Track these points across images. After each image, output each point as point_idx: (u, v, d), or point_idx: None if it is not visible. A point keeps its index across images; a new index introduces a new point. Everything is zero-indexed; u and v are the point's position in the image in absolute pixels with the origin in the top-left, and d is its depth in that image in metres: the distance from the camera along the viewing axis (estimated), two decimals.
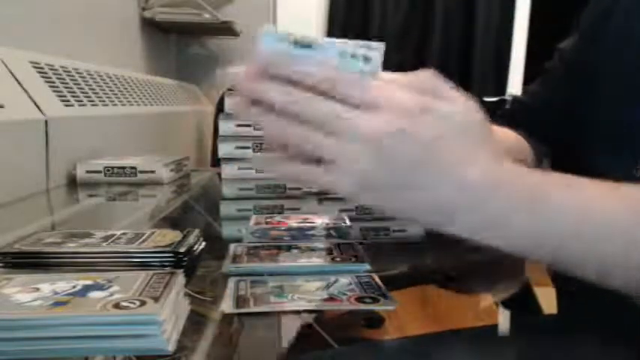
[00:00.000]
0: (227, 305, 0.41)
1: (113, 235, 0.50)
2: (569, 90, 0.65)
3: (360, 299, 0.42)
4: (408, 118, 0.34)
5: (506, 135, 0.69)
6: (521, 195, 0.35)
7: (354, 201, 0.44)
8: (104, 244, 0.48)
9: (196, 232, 0.51)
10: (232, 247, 0.54)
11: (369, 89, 0.34)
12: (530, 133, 0.70)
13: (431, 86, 0.36)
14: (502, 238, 0.36)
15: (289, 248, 0.53)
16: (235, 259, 0.50)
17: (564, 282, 0.40)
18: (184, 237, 0.49)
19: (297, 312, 0.40)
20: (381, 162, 0.34)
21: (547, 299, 0.50)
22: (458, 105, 0.36)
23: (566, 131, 0.64)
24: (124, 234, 0.51)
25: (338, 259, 0.50)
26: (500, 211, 0.35)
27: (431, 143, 0.34)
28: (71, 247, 0.48)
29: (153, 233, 0.51)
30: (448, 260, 0.58)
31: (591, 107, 0.61)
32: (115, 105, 1.24)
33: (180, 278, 0.38)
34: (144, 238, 0.49)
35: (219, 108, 1.63)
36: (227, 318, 0.39)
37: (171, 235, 0.50)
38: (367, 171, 0.34)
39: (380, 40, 0.36)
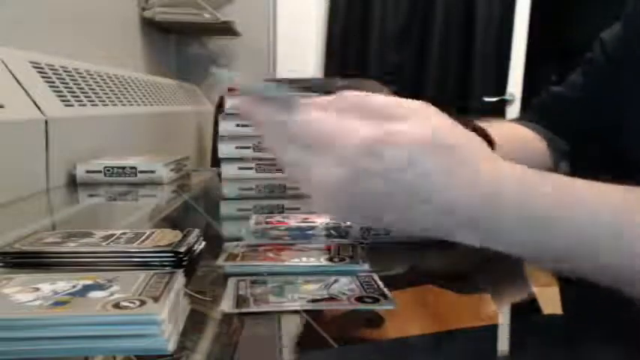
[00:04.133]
0: (227, 305, 0.40)
1: (113, 235, 0.50)
2: (611, 80, 0.63)
3: (360, 299, 0.42)
4: (365, 157, 0.32)
5: (515, 136, 0.66)
6: (510, 209, 0.33)
7: None
8: (104, 243, 0.48)
9: (196, 232, 0.51)
10: (231, 246, 0.54)
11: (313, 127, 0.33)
12: (565, 125, 0.68)
13: (381, 108, 0.34)
14: (503, 248, 0.35)
15: None
16: (234, 258, 0.50)
17: (566, 279, 0.40)
18: (184, 237, 0.49)
19: (297, 312, 0.40)
20: (353, 208, 0.34)
21: (547, 299, 0.50)
22: (417, 125, 0.33)
23: (606, 122, 0.62)
24: (123, 234, 0.51)
25: (338, 259, 0.50)
26: (494, 227, 0.34)
27: (398, 177, 0.32)
28: (71, 246, 0.47)
29: (153, 233, 0.51)
30: (448, 260, 0.58)
31: (636, 98, 0.59)
32: (115, 105, 1.24)
33: (180, 278, 0.38)
34: (144, 237, 0.49)
35: (219, 108, 1.63)
36: (227, 318, 0.39)
37: (171, 235, 0.50)
38: (343, 214, 0.35)
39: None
